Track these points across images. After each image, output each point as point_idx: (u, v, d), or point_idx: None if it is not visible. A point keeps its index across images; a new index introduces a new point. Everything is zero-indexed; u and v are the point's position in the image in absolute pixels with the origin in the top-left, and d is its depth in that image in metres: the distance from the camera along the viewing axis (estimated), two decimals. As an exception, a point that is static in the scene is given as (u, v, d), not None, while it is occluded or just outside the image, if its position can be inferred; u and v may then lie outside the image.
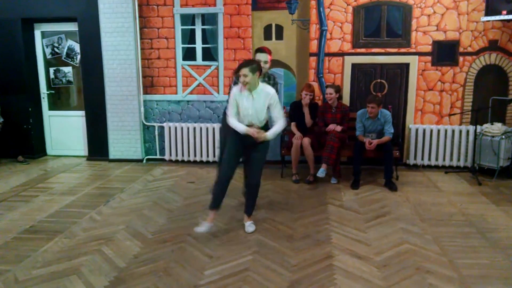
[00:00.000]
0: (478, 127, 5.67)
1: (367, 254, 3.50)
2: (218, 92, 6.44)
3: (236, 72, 3.77)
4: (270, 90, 3.86)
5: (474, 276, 3.13)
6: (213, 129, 6.42)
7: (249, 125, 3.84)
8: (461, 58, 5.90)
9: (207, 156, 6.55)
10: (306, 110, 5.60)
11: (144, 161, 6.72)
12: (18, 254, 3.54)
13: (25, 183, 5.65)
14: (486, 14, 5.58)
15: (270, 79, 4.49)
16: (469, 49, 5.86)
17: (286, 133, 5.93)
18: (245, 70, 3.67)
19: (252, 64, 3.73)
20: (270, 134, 3.84)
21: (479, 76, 5.91)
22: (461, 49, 5.87)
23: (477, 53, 5.86)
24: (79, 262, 3.39)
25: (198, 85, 6.46)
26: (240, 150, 3.96)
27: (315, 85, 6.11)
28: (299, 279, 3.12)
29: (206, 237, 3.84)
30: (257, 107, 3.82)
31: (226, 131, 4.09)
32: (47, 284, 3.06)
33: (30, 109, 6.86)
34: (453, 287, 2.97)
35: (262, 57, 4.37)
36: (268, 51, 4.43)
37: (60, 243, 3.76)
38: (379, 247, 3.62)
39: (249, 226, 4.01)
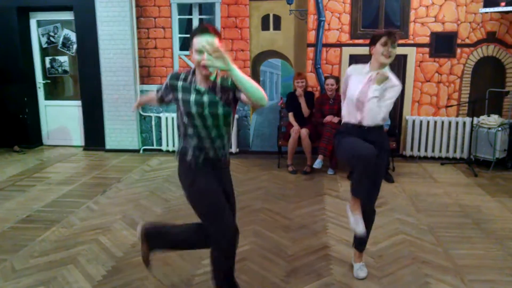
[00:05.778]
0: (475, 118, 5.68)
1: (363, 244, 3.52)
2: (215, 83, 6.41)
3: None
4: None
5: (469, 266, 3.16)
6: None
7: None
8: (458, 50, 5.89)
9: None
10: (302, 100, 5.60)
11: (141, 151, 6.71)
12: (15, 244, 3.54)
13: (21, 172, 5.64)
14: (485, 6, 5.59)
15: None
16: (467, 41, 5.85)
17: (283, 124, 5.94)
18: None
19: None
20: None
21: (476, 68, 5.91)
22: (459, 41, 5.86)
23: (475, 45, 5.85)
24: (76, 252, 3.40)
25: (195, 75, 6.43)
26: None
27: (312, 76, 6.10)
28: (295, 269, 3.14)
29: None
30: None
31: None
32: (44, 273, 3.07)
33: (25, 98, 6.82)
34: (448, 276, 3.00)
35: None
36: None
37: (57, 233, 3.76)
38: (375, 238, 3.63)
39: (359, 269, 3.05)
